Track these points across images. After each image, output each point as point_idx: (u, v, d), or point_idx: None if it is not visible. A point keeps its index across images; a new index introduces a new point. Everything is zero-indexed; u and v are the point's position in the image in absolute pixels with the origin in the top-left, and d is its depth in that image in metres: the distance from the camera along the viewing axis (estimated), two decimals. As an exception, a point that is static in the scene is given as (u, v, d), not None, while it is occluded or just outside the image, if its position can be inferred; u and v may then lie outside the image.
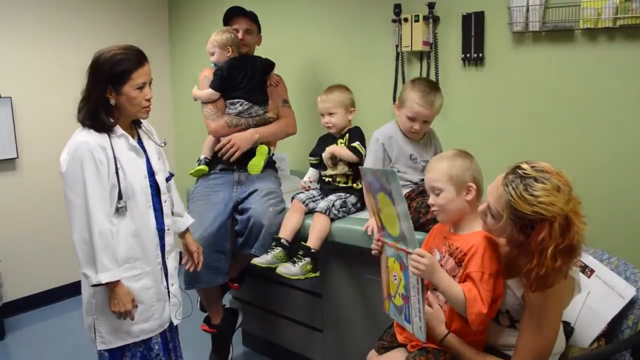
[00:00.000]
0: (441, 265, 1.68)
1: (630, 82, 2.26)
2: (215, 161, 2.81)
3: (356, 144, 2.43)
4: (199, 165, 2.78)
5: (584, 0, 2.26)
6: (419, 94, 2.16)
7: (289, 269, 2.28)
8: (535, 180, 1.43)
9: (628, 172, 2.30)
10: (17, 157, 3.50)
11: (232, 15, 2.85)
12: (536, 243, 1.41)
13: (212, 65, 2.81)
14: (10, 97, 3.42)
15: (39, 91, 3.59)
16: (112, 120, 1.90)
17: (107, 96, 1.87)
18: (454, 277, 1.65)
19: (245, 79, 2.72)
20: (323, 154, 2.48)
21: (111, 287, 1.86)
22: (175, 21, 4.24)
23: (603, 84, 2.33)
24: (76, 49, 3.71)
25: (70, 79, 3.61)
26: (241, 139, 2.67)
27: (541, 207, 1.40)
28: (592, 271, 1.82)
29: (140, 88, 1.90)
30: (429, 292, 1.76)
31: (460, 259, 1.66)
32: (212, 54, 2.72)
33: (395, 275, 1.78)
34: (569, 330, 1.73)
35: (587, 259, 1.86)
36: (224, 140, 2.67)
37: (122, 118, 1.95)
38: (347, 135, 2.49)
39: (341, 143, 2.49)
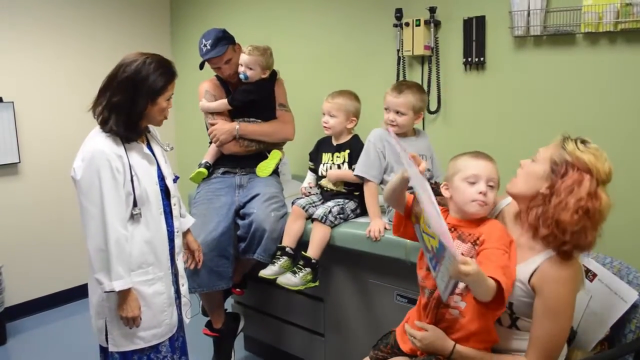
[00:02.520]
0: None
1: (632, 86, 2.27)
2: (217, 165, 2.82)
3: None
4: (199, 168, 2.80)
5: (585, 4, 2.27)
6: (391, 86, 2.29)
7: (289, 279, 2.30)
8: (591, 143, 1.56)
9: (630, 175, 2.30)
10: (19, 162, 3.50)
11: (202, 61, 2.77)
12: (566, 186, 1.50)
13: (215, 76, 2.86)
14: (13, 102, 3.42)
15: (41, 96, 3.60)
16: (143, 129, 1.99)
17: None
18: (470, 257, 1.63)
19: (264, 99, 2.77)
20: (329, 174, 2.48)
21: (122, 293, 1.89)
22: (177, 27, 4.26)
23: (604, 88, 2.33)
24: (78, 53, 3.73)
25: (73, 83, 3.64)
26: (222, 131, 2.71)
27: (586, 156, 1.50)
28: (594, 275, 1.81)
29: (169, 98, 1.98)
30: (415, 322, 1.74)
31: (474, 241, 1.64)
32: (249, 69, 2.66)
33: (429, 235, 1.58)
34: (571, 334, 1.73)
35: (589, 263, 1.85)
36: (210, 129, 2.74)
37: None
38: (348, 150, 2.48)
39: (338, 157, 2.49)
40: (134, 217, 1.92)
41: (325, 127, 2.51)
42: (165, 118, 2.02)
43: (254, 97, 2.71)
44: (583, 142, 1.55)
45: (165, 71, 1.93)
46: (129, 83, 1.87)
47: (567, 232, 1.48)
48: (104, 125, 1.90)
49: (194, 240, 2.32)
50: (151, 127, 2.12)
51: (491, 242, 1.59)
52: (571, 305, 1.54)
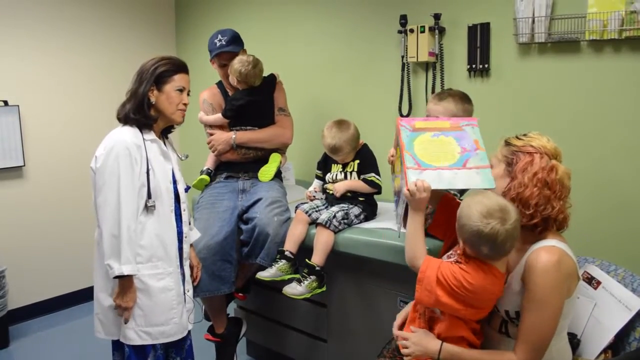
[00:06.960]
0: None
1: (636, 94, 2.26)
2: (220, 169, 2.83)
3: (372, 176, 2.40)
4: (200, 175, 2.82)
5: (589, 11, 2.27)
6: (433, 95, 2.25)
7: (294, 289, 2.30)
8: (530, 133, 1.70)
9: (634, 183, 2.30)
10: (24, 165, 3.52)
11: (214, 54, 2.77)
12: (520, 168, 1.62)
13: (216, 84, 2.88)
14: (18, 106, 3.44)
15: (46, 99, 3.61)
16: (153, 115, 2.05)
17: (149, 94, 2.01)
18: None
19: (259, 108, 2.77)
20: (336, 187, 2.44)
21: (124, 282, 1.95)
22: (182, 31, 4.28)
23: (608, 95, 2.33)
24: (83, 58, 3.74)
25: (78, 87, 3.65)
26: (219, 141, 2.74)
27: (529, 140, 1.65)
28: (598, 283, 1.81)
29: (180, 91, 2.08)
30: (405, 329, 1.76)
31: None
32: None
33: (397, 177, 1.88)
34: (575, 342, 1.72)
35: (593, 270, 1.85)
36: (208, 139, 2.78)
37: (159, 121, 2.09)
38: (357, 161, 2.46)
39: (347, 166, 2.49)
40: (147, 209, 2.00)
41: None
42: (179, 111, 2.10)
43: (242, 103, 2.70)
44: (523, 134, 1.69)
45: (169, 62, 2.07)
46: (138, 73, 2.07)
47: (531, 205, 1.57)
48: (122, 115, 2.03)
49: (195, 256, 2.35)
50: (170, 136, 2.23)
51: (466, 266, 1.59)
52: (555, 295, 1.52)
